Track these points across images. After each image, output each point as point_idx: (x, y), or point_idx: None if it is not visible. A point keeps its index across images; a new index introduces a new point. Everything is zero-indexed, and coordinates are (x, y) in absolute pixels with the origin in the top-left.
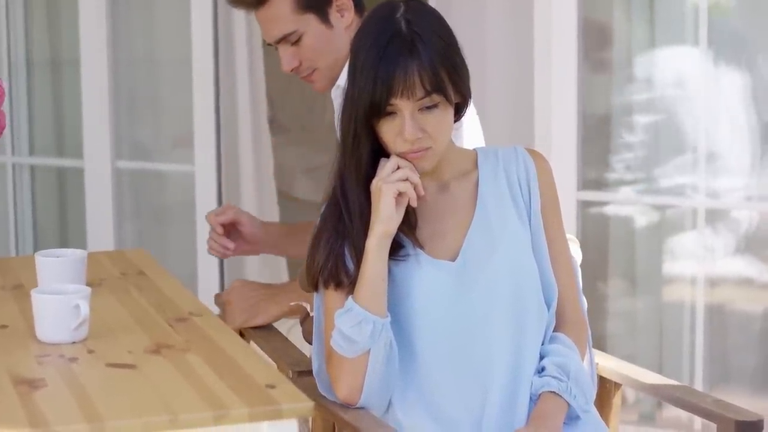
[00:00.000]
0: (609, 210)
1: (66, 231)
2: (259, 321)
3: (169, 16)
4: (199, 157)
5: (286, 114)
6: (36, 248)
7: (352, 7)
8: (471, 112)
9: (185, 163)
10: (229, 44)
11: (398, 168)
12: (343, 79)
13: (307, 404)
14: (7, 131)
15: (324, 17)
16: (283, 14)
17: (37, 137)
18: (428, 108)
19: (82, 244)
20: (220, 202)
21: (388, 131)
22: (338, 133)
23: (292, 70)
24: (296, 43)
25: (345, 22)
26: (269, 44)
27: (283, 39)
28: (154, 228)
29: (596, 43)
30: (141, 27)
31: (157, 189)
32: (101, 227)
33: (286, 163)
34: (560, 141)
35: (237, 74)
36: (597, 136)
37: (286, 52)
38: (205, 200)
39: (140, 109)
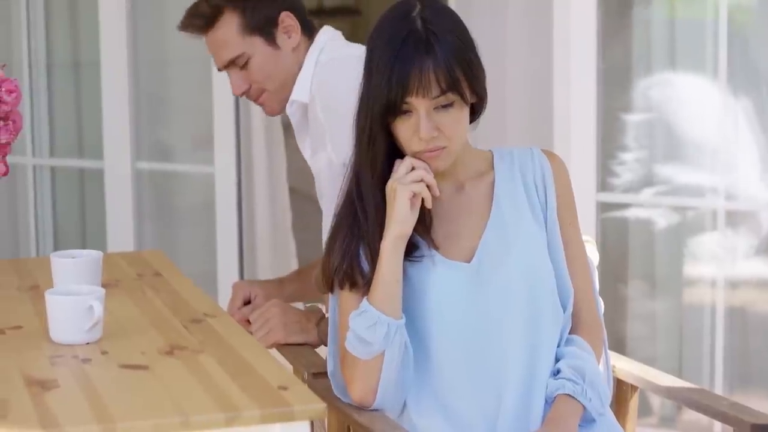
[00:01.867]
0: (629, 212)
1: (86, 232)
2: (300, 339)
3: None
4: (219, 158)
5: None
6: (56, 249)
7: (299, 28)
8: None
9: (205, 164)
10: None
11: (413, 169)
12: (296, 94)
13: (319, 406)
14: (27, 133)
15: (270, 39)
16: (230, 37)
17: (57, 138)
18: (444, 107)
19: (102, 245)
20: (239, 203)
21: (404, 130)
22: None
23: (242, 94)
24: (244, 66)
25: (292, 43)
26: (220, 70)
27: (232, 62)
28: (174, 229)
29: (615, 44)
30: (161, 28)
31: (177, 190)
32: (121, 228)
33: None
34: (579, 143)
35: None
36: (617, 137)
37: (235, 76)
38: (225, 201)
39: (160, 110)
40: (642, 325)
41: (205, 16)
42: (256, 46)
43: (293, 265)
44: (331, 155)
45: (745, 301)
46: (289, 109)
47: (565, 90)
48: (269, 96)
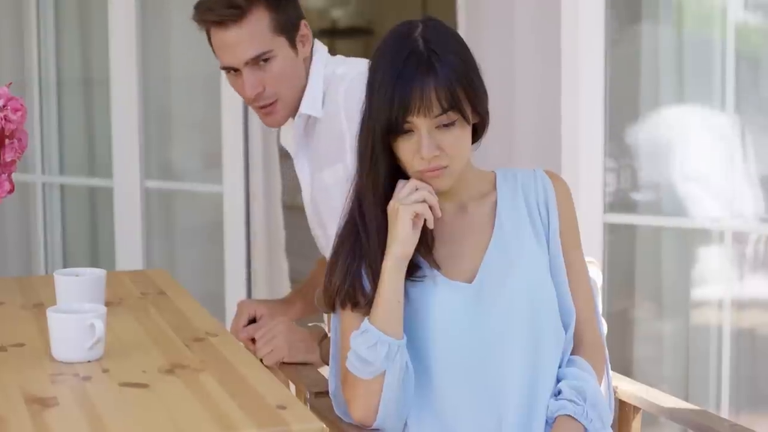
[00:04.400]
0: (636, 233)
1: (95, 250)
2: (304, 358)
3: (198, 35)
4: (227, 177)
5: None
6: (65, 267)
7: (311, 40)
8: None
9: (214, 182)
10: None
11: (416, 189)
12: (307, 108)
13: (317, 425)
14: (36, 150)
15: (293, 43)
16: (261, 31)
17: (67, 156)
18: (445, 126)
19: (111, 263)
20: (248, 222)
21: (406, 150)
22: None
23: (255, 97)
24: (266, 64)
25: (305, 52)
26: (226, 68)
27: (256, 59)
28: (183, 247)
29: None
30: (170, 46)
31: (186, 209)
32: (130, 246)
33: None
34: (587, 163)
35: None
36: (624, 158)
37: (252, 75)
38: (233, 220)
39: (169, 129)
40: (649, 346)
41: (240, 7)
42: (282, 47)
43: (286, 286)
44: (350, 166)
45: (753, 323)
46: (297, 121)
47: (573, 111)
48: (282, 104)
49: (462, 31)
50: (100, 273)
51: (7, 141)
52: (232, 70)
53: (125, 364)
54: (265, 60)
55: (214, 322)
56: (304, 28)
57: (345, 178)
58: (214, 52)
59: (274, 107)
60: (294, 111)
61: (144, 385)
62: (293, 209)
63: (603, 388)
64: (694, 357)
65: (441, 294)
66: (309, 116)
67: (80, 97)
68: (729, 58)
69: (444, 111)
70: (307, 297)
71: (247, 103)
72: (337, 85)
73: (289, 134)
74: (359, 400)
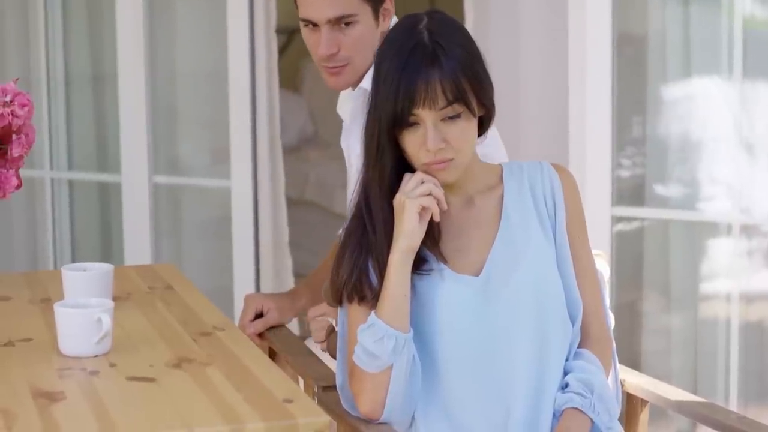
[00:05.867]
0: (643, 226)
1: (105, 245)
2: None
3: (206, 31)
4: (236, 171)
5: (328, 129)
6: (74, 263)
7: (392, 16)
8: (492, 129)
9: (222, 177)
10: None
11: (422, 183)
12: (366, 82)
13: (323, 419)
14: (45, 146)
15: (376, 14)
16: None
17: (76, 152)
18: (451, 118)
19: (119, 258)
20: (256, 216)
21: (411, 142)
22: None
23: (329, 57)
24: (347, 28)
25: (384, 26)
26: (305, 21)
27: (339, 20)
28: (192, 242)
29: (631, 55)
30: (178, 41)
31: (195, 204)
32: (139, 242)
33: (327, 178)
34: (594, 156)
35: (258, 89)
36: (632, 150)
37: (330, 35)
38: (241, 215)
39: (177, 124)
40: (656, 339)
41: None
42: (366, 14)
43: (290, 281)
44: None
45: (761, 316)
46: (356, 93)
47: (580, 103)
48: (351, 69)
49: (469, 23)
50: (107, 268)
51: (14, 136)
52: (311, 24)
53: (132, 358)
54: (347, 23)
55: (221, 317)
56: (389, 3)
57: None
58: (295, 2)
59: (342, 70)
60: (359, 80)
61: (151, 380)
62: (299, 204)
63: (610, 380)
64: (702, 350)
65: (448, 287)
66: (369, 92)
67: (88, 93)
68: (737, 50)
69: (449, 103)
70: (315, 288)
71: (317, 60)
72: None
73: (347, 104)
74: (366, 394)
